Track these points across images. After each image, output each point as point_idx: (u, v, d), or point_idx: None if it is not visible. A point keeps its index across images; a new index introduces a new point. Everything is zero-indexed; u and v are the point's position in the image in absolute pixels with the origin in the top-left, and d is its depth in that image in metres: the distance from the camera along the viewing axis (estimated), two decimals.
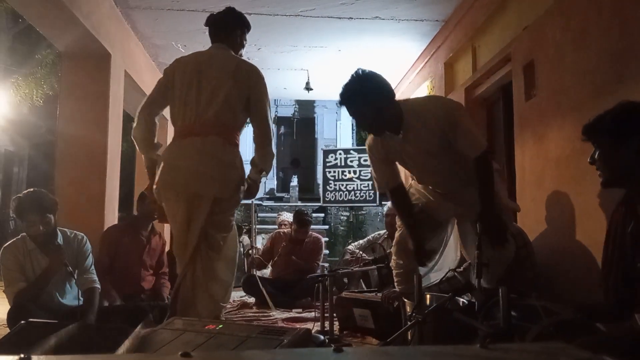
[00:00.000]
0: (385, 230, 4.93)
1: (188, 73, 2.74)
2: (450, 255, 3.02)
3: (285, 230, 5.54)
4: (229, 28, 2.89)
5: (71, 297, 3.13)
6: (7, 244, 3.12)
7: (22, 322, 2.27)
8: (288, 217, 6.98)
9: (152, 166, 2.81)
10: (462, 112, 2.63)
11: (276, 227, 6.99)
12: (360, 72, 2.48)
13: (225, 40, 2.87)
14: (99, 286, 3.22)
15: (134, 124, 2.80)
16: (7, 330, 2.81)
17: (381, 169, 2.76)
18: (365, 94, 2.44)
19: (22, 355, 0.64)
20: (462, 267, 3.00)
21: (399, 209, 2.84)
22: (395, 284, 2.99)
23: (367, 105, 2.46)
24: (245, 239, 8.54)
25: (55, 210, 3.11)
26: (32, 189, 3.13)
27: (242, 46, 2.97)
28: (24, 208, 3.02)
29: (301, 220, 5.21)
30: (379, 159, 2.74)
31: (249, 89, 2.74)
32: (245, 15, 2.99)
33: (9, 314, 2.90)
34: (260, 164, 2.81)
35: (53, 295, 3.07)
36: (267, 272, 5.42)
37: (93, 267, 3.26)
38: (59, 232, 3.14)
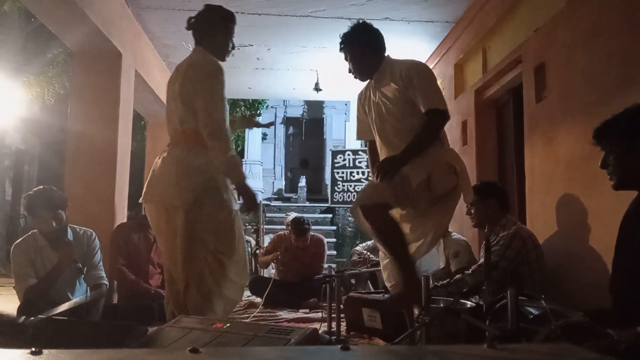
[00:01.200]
0: None
1: (168, 84, 2.71)
2: (432, 260, 2.98)
3: (287, 232, 5.47)
4: (205, 28, 2.73)
5: (80, 293, 3.17)
6: (17, 241, 3.16)
7: (32, 318, 2.29)
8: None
9: None
10: (427, 72, 2.69)
11: (284, 227, 7.00)
12: (361, 21, 2.78)
13: (204, 43, 2.71)
14: (106, 282, 3.26)
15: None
16: None
17: (361, 118, 2.91)
18: (355, 37, 2.74)
19: (33, 349, 0.65)
20: (470, 270, 2.99)
21: (372, 165, 2.93)
22: (385, 279, 2.88)
23: (353, 47, 2.74)
24: (251, 239, 8.56)
25: (66, 206, 3.15)
26: (42, 187, 3.16)
27: (227, 44, 2.77)
28: (36, 205, 3.05)
29: (299, 230, 5.07)
30: (361, 110, 2.90)
31: (192, 84, 2.56)
32: (224, 7, 2.79)
33: (19, 310, 2.93)
34: (224, 172, 2.59)
35: (62, 292, 3.11)
36: (273, 271, 5.41)
37: (101, 263, 3.30)
38: (69, 229, 3.18)
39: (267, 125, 3.49)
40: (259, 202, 2.49)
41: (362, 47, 2.74)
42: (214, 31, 2.71)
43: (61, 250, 3.03)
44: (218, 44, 2.72)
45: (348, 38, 2.76)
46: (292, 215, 6.68)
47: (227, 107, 2.64)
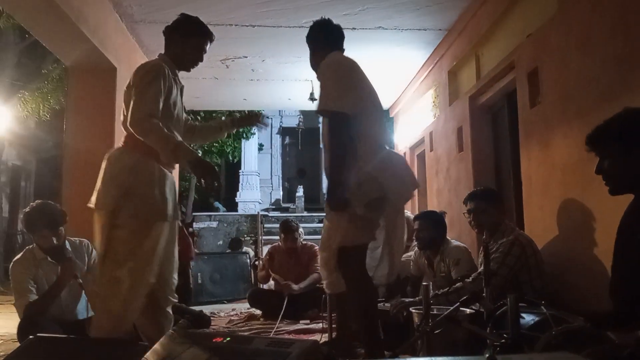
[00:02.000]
0: None
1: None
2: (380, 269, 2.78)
3: (280, 243, 5.48)
4: (170, 37, 2.70)
5: (81, 307, 3.15)
6: (16, 257, 3.14)
7: (31, 336, 2.27)
8: None
9: None
10: (326, 69, 2.66)
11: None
12: (317, 19, 2.94)
13: (166, 50, 2.69)
14: None
15: None
16: (17, 344, 2.82)
17: None
18: (307, 36, 2.96)
19: None
20: (471, 277, 2.98)
21: None
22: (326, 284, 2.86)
23: (307, 43, 2.97)
24: (250, 250, 8.54)
25: (66, 221, 3.15)
26: (40, 201, 3.15)
27: (188, 55, 2.69)
28: (36, 224, 3.04)
29: (286, 227, 5.22)
30: None
31: (129, 88, 2.55)
32: (196, 20, 2.72)
33: (19, 327, 2.91)
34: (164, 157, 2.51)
35: (62, 307, 3.09)
36: (272, 284, 5.39)
37: None
38: (66, 242, 3.18)
39: (264, 124, 3.32)
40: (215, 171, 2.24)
41: (310, 44, 2.92)
42: (176, 41, 2.67)
43: (62, 267, 3.01)
44: (179, 54, 2.67)
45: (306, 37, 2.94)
46: None
47: (175, 103, 2.61)
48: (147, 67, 2.56)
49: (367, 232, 2.55)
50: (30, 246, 3.18)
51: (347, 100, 2.51)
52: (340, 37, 2.89)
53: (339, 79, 2.59)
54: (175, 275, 2.72)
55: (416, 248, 3.95)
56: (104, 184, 2.50)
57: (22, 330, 2.83)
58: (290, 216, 12.39)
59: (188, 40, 2.66)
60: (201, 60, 2.75)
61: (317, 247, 5.47)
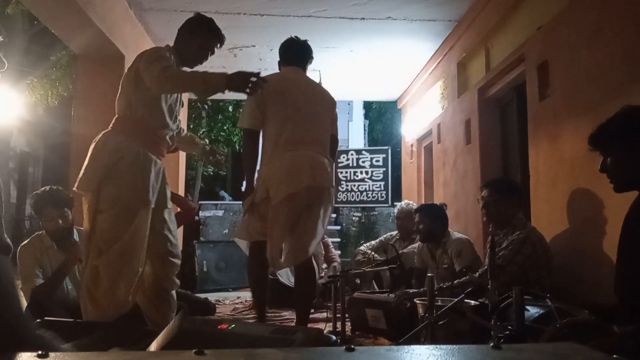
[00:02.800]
0: (397, 231, 4.92)
1: None
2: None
3: None
4: (181, 33, 2.78)
5: None
6: (24, 242, 3.17)
7: (38, 320, 2.29)
8: None
9: None
10: None
11: None
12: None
13: (175, 44, 2.76)
14: None
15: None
16: None
17: None
18: None
19: (39, 352, 0.66)
20: (478, 273, 2.97)
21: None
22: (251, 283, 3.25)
23: None
24: None
25: (72, 205, 3.17)
26: (48, 187, 3.19)
27: (194, 54, 2.74)
28: (42, 203, 3.08)
29: None
30: None
31: (129, 70, 2.62)
32: (209, 21, 2.78)
33: (26, 310, 2.94)
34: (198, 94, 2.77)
35: (68, 292, 3.12)
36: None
37: None
38: (74, 230, 3.20)
39: (218, 164, 3.39)
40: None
41: None
42: (184, 36, 2.74)
43: (67, 250, 3.04)
44: (183, 49, 2.73)
45: None
46: None
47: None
48: (154, 49, 2.68)
49: (253, 229, 2.98)
50: (39, 232, 3.21)
51: (252, 116, 2.94)
52: (291, 53, 3.20)
53: (255, 97, 2.80)
54: (174, 258, 2.74)
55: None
56: (87, 165, 2.55)
57: (30, 314, 2.86)
58: None
59: (194, 38, 2.72)
60: (205, 59, 2.79)
61: (327, 238, 5.51)
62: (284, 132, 2.91)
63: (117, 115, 2.64)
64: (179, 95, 2.81)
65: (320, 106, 3.12)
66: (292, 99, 2.97)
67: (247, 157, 3.03)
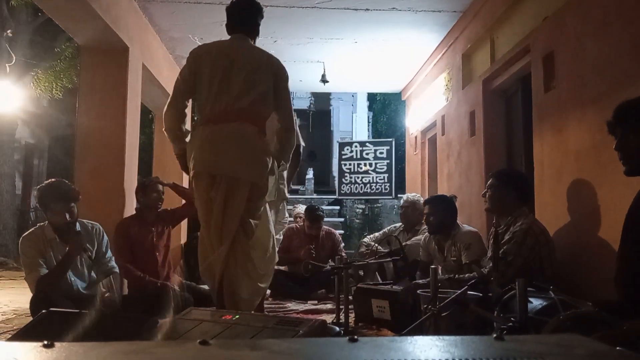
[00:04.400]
0: (400, 223, 4.92)
1: (218, 61, 2.78)
2: None
3: (298, 226, 5.51)
4: (252, 19, 2.96)
5: (91, 284, 3.19)
6: (26, 233, 3.18)
7: (44, 311, 2.31)
8: (303, 209, 6.99)
9: (183, 155, 2.87)
10: None
11: (292, 219, 7.01)
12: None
13: (246, 31, 2.93)
14: (117, 271, 3.30)
15: (166, 116, 2.85)
16: (30, 318, 2.87)
17: None
18: None
19: (45, 342, 0.66)
20: (486, 269, 2.96)
21: None
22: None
23: None
24: None
25: (78, 199, 3.17)
26: (53, 179, 3.19)
27: (258, 35, 3.04)
28: (49, 198, 3.08)
29: (313, 216, 5.20)
30: None
31: (278, 82, 2.84)
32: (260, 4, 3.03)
33: (32, 301, 2.96)
34: (280, 156, 2.90)
35: (72, 283, 3.13)
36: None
37: (111, 254, 3.33)
38: (78, 223, 3.20)
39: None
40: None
41: None
42: (258, 22, 3.00)
43: (71, 239, 3.05)
44: (256, 36, 3.02)
45: None
46: (300, 207, 6.69)
47: None
48: (284, 67, 2.92)
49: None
50: (42, 223, 3.21)
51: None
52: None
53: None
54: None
55: (426, 233, 3.95)
56: (259, 160, 2.75)
57: (35, 305, 2.88)
58: (300, 198, 12.43)
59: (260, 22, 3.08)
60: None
61: (337, 233, 5.54)
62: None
63: (255, 111, 2.80)
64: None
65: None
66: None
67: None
